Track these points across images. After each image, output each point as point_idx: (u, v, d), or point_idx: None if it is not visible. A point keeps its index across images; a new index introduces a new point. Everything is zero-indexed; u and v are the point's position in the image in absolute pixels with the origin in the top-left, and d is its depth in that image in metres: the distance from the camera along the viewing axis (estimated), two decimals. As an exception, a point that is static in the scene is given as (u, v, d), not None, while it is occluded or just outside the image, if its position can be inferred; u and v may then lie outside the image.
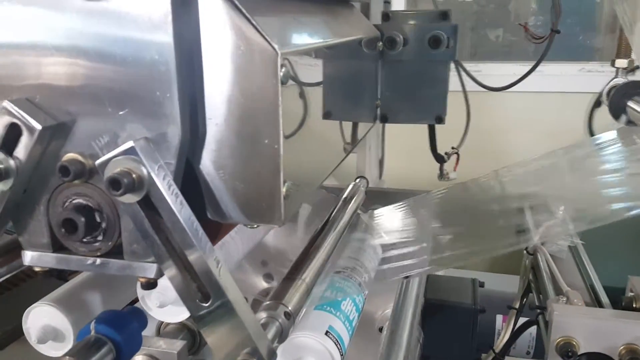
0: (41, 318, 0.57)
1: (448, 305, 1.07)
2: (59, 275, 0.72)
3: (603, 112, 2.95)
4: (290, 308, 0.51)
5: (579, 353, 0.66)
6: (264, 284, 0.96)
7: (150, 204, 0.38)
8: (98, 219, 0.42)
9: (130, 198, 0.38)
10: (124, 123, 0.41)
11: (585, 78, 2.87)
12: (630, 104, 1.07)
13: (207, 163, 0.44)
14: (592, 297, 0.78)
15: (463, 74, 1.32)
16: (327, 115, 0.63)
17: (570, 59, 2.90)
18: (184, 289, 0.40)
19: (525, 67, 1.36)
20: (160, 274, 0.42)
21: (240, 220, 0.45)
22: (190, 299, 0.40)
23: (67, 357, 0.47)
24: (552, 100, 2.84)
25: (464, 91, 1.38)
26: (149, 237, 0.39)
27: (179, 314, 0.60)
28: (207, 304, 0.40)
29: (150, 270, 0.42)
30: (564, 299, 0.72)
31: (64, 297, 0.59)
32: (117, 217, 0.42)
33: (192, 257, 0.39)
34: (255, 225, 0.47)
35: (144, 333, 0.55)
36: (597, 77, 2.84)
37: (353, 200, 0.88)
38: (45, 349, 0.58)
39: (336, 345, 0.64)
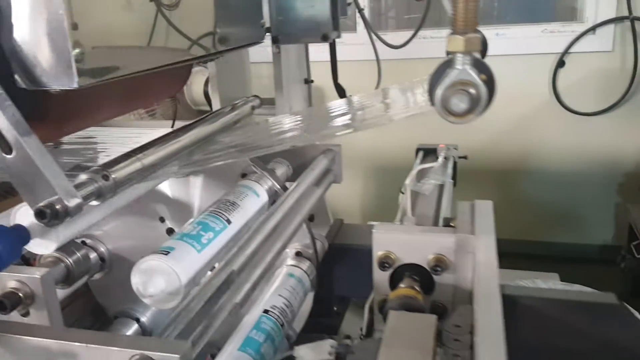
0: None
1: (350, 249, 1.19)
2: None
3: (567, 72, 3.02)
4: (114, 175, 0.64)
5: (396, 265, 0.78)
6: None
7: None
8: None
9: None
10: None
11: (547, 39, 2.92)
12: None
13: (7, 35, 0.56)
14: (434, 223, 0.89)
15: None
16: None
17: (532, 21, 2.95)
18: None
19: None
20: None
21: (43, 81, 0.57)
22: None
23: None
24: (516, 64, 2.90)
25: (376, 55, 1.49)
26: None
27: (46, 246, 0.72)
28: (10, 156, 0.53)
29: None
30: (398, 222, 0.83)
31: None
32: None
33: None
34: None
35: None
36: (559, 37, 2.89)
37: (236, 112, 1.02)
38: None
39: (187, 271, 0.76)
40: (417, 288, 0.73)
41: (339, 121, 0.86)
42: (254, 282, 0.79)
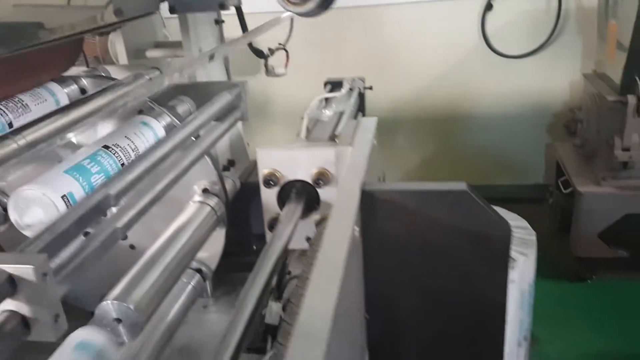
0: None
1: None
2: None
3: (495, 15, 3.05)
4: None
5: (282, 182, 0.78)
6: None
7: None
8: None
9: None
10: None
11: (472, -17, 2.93)
12: None
13: None
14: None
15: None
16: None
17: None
18: None
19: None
20: None
21: None
22: None
23: None
24: (444, 9, 2.91)
25: None
26: None
27: None
28: None
29: None
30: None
31: None
32: None
33: None
34: None
35: None
36: (485, -19, 2.91)
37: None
38: None
39: (67, 205, 0.74)
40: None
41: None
42: (140, 209, 0.78)
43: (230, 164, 1.51)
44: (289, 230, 0.71)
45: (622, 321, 2.31)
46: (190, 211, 1.07)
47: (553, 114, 3.03)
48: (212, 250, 1.14)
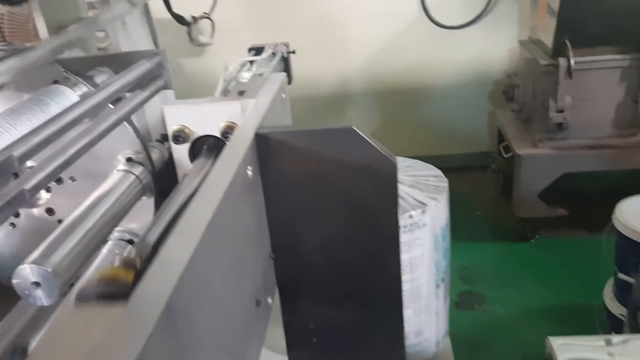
0: None
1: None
2: None
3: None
4: None
5: (192, 138, 0.79)
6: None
7: None
8: None
9: None
10: None
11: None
12: None
13: None
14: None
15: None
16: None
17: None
18: None
19: None
20: None
21: None
22: None
23: None
24: (385, -17, 2.94)
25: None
26: None
27: None
28: None
29: None
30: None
31: None
32: None
33: None
34: None
35: None
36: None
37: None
38: None
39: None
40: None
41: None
42: (50, 172, 0.78)
43: (165, 138, 1.51)
44: (195, 183, 0.72)
45: (563, 276, 2.41)
46: (114, 179, 1.07)
47: (494, 82, 3.11)
48: (142, 220, 1.14)
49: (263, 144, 0.61)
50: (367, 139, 0.60)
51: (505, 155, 2.68)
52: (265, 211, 0.65)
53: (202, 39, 1.49)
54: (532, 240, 2.65)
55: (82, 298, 0.44)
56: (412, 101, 3.20)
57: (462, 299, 2.38)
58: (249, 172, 0.58)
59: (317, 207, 0.64)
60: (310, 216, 0.65)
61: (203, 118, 0.78)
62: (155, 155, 1.20)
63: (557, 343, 0.69)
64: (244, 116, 0.75)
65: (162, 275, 0.39)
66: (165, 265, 0.40)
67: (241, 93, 0.83)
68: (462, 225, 2.86)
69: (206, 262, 0.44)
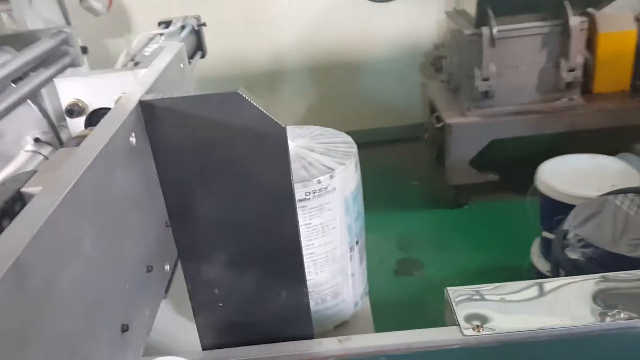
0: None
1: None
2: None
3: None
4: None
5: (88, 111, 0.78)
6: None
7: None
8: None
9: None
10: None
11: None
12: None
13: None
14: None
15: None
16: None
17: None
18: None
19: None
20: None
21: None
22: None
23: None
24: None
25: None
26: None
27: None
28: None
29: None
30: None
31: None
32: None
33: None
34: None
35: None
36: None
37: None
38: None
39: None
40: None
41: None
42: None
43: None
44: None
45: (495, 239, 2.51)
46: (20, 160, 1.04)
47: (424, 54, 3.16)
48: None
49: (149, 112, 0.61)
50: (253, 102, 0.60)
51: (437, 126, 2.74)
52: (159, 180, 0.65)
53: (94, 3, 1.43)
54: (465, 207, 2.74)
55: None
56: (346, 75, 3.22)
57: (400, 267, 2.45)
58: (132, 140, 0.58)
59: (210, 173, 0.65)
60: (204, 183, 0.65)
61: (96, 90, 0.76)
62: (66, 135, 1.17)
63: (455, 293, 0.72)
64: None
65: (16, 232, 0.39)
66: (21, 223, 0.40)
67: (137, 64, 0.82)
68: (399, 196, 2.94)
69: (71, 223, 0.44)
